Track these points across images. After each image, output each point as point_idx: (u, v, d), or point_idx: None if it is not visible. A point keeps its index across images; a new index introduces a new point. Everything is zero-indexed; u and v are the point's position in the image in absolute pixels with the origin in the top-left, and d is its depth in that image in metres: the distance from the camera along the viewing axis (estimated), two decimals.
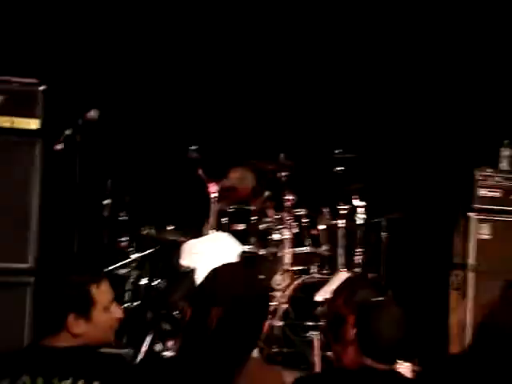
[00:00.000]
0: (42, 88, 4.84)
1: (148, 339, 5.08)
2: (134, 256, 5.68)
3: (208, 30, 6.54)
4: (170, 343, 4.81)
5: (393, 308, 2.70)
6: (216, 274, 2.16)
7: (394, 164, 6.47)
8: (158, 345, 5.05)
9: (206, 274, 2.24)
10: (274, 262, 5.58)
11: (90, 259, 2.85)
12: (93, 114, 4.82)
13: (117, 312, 2.58)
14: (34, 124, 4.82)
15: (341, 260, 5.70)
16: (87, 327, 2.48)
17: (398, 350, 2.67)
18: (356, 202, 5.79)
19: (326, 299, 5.20)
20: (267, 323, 5.22)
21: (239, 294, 2.06)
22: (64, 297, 2.46)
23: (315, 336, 5.17)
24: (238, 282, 2.14)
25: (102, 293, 2.51)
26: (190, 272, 5.10)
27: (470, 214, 5.67)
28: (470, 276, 5.64)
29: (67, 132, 4.76)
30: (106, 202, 5.87)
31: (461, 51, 6.46)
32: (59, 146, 4.70)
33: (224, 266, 2.29)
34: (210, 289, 2.10)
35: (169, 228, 5.78)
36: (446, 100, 6.49)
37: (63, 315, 2.45)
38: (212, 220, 5.45)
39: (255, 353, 2.58)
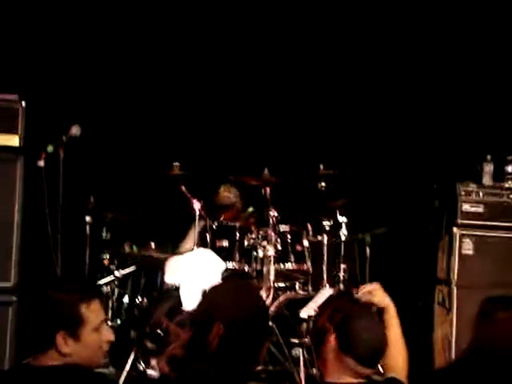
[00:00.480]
0: (22, 104, 4.80)
1: (131, 358, 5.01)
2: (116, 273, 5.62)
3: (190, 48, 6.52)
4: (153, 362, 4.75)
5: (372, 317, 2.77)
6: (217, 290, 2.12)
7: (377, 179, 6.48)
8: (141, 364, 4.99)
9: (207, 289, 2.20)
10: (258, 278, 5.55)
11: (81, 276, 2.82)
12: (74, 130, 4.79)
13: (107, 334, 2.52)
14: (15, 140, 4.78)
15: (325, 276, 5.67)
16: (76, 347, 2.42)
17: (380, 355, 2.69)
18: (340, 218, 5.77)
19: (311, 316, 5.18)
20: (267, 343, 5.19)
21: (241, 310, 2.02)
22: (53, 315, 2.42)
23: (300, 353, 5.13)
24: (239, 298, 2.10)
25: (92, 312, 2.45)
26: (174, 289, 5.06)
27: (453, 228, 5.68)
28: (454, 291, 5.64)
29: (49, 149, 4.72)
30: (87, 219, 5.81)
31: (444, 67, 6.49)
32: (41, 163, 4.66)
33: (224, 282, 2.26)
34: (211, 305, 2.05)
35: (151, 245, 5.73)
36: (429, 115, 6.51)
37: (51, 334, 2.41)
38: (195, 237, 5.41)
39: None
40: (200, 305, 2.11)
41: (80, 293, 2.46)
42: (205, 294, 2.13)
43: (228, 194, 5.99)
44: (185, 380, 1.99)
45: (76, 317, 2.42)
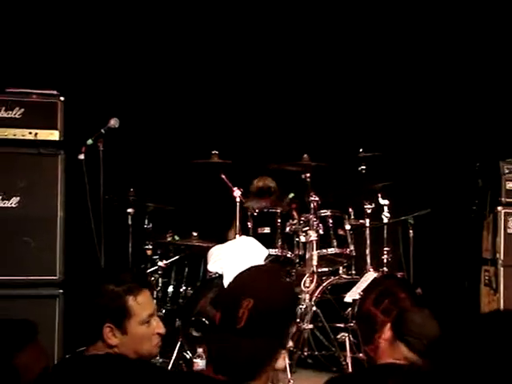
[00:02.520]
0: (61, 99, 4.84)
1: (177, 347, 5.04)
2: (159, 263, 5.65)
3: (226, 38, 6.51)
4: (199, 350, 4.76)
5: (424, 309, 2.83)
6: (246, 271, 2.14)
7: (419, 160, 6.41)
8: (187, 352, 5.02)
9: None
10: (301, 264, 5.54)
11: (129, 267, 2.78)
12: (113, 122, 4.81)
13: (157, 327, 2.46)
14: (55, 135, 4.82)
15: (368, 260, 5.64)
16: (123, 339, 2.39)
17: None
18: (382, 201, 5.71)
19: (356, 300, 5.15)
20: (296, 325, 5.18)
21: (270, 286, 2.04)
22: (100, 307, 2.38)
23: (346, 337, 5.11)
24: (268, 277, 2.12)
25: (139, 305, 2.40)
26: (217, 277, 5.07)
27: (498, 207, 5.59)
28: (501, 270, 5.56)
29: (89, 142, 4.75)
30: (129, 210, 5.84)
31: (485, 46, 6.38)
32: (82, 156, 4.69)
33: (253, 266, 2.29)
34: (241, 283, 2.07)
35: (193, 234, 5.75)
36: (472, 94, 6.42)
37: (99, 325, 2.38)
38: (237, 224, 5.41)
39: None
40: (230, 284, 2.14)
41: (128, 284, 2.42)
42: (235, 276, 2.15)
43: (263, 183, 5.97)
44: (217, 355, 2.01)
45: (123, 309, 2.39)
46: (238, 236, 5.33)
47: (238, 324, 1.98)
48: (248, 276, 2.14)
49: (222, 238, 5.56)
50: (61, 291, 4.64)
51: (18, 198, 4.74)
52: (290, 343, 2.31)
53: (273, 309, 2.00)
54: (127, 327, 2.40)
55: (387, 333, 2.71)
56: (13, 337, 2.28)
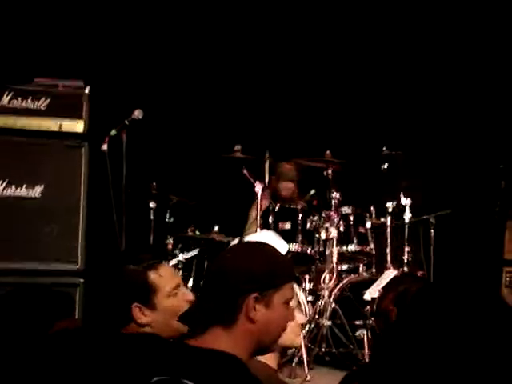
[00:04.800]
0: (87, 90, 4.87)
1: None
2: (180, 257, 5.67)
3: (252, 31, 6.52)
4: None
5: None
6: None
7: (442, 160, 6.38)
8: None
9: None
10: (321, 260, 5.53)
11: (144, 247, 2.77)
12: (137, 113, 4.83)
13: (185, 295, 2.44)
14: (80, 126, 4.86)
15: (389, 258, 5.62)
16: (154, 316, 2.37)
17: None
18: (404, 200, 5.70)
19: (375, 298, 5.14)
20: (314, 321, 5.18)
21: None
22: (124, 289, 2.38)
23: (364, 335, 5.10)
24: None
25: (162, 278, 2.39)
26: None
27: None
28: None
29: (112, 133, 4.78)
30: (151, 204, 5.88)
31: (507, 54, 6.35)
32: (105, 147, 4.72)
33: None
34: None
35: (214, 228, 5.77)
36: (495, 96, 6.38)
37: (126, 307, 2.37)
38: (258, 219, 5.41)
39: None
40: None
41: (146, 261, 2.42)
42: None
43: (290, 167, 5.97)
44: None
45: (147, 285, 2.37)
46: (258, 230, 5.34)
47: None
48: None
49: (243, 233, 5.58)
50: (81, 280, 4.68)
51: (42, 188, 4.78)
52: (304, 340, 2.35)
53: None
54: (155, 303, 2.39)
55: None
56: (56, 305, 2.29)
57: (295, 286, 2.87)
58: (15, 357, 2.00)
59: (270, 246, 2.18)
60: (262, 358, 2.46)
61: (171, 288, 2.41)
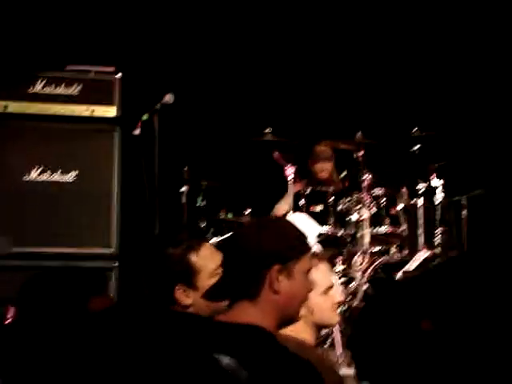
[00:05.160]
0: (118, 75, 4.92)
1: None
2: (213, 241, 5.70)
3: (282, 19, 6.51)
4: None
5: None
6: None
7: (474, 140, 6.33)
8: None
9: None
10: (353, 243, 5.54)
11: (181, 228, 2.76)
12: (168, 98, 4.86)
13: None
14: (112, 111, 4.91)
15: (421, 240, 5.61)
16: (196, 296, 2.39)
17: None
18: (435, 181, 5.68)
19: None
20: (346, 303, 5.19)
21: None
22: (165, 272, 2.40)
23: None
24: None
25: (204, 259, 2.41)
26: None
27: None
28: None
29: (144, 117, 4.81)
30: (183, 188, 5.91)
31: None
32: (137, 132, 4.76)
33: None
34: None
35: (246, 211, 5.79)
36: None
37: (170, 291, 2.40)
38: (290, 202, 5.43)
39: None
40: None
41: (185, 242, 2.43)
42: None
43: (325, 148, 5.96)
44: None
45: (189, 267, 2.39)
46: (290, 213, 5.35)
47: None
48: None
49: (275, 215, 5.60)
50: (116, 264, 4.75)
51: (76, 172, 4.85)
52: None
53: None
54: (198, 284, 2.41)
55: None
56: (90, 282, 2.33)
57: (327, 267, 2.89)
58: (61, 332, 2.05)
59: (284, 220, 2.32)
60: (300, 336, 2.50)
61: (213, 268, 2.42)
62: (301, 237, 2.19)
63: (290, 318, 2.15)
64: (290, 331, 2.24)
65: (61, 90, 4.90)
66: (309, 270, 2.18)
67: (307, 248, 2.20)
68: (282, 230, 2.16)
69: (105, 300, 2.32)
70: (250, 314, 2.05)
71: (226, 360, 1.81)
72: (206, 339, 1.88)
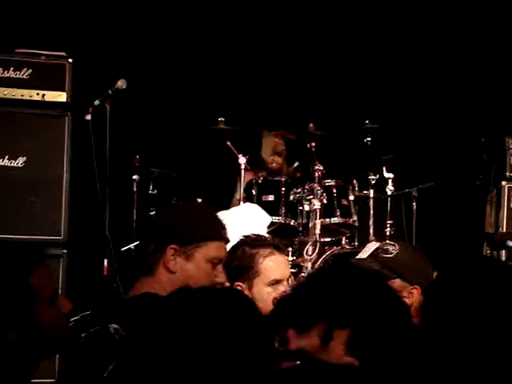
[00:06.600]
0: (70, 60, 4.84)
1: None
2: None
3: (235, 4, 6.49)
4: None
5: None
6: None
7: (424, 133, 6.41)
8: None
9: None
10: (304, 233, 5.56)
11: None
12: (120, 83, 4.80)
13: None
14: (63, 96, 4.83)
15: (371, 231, 5.66)
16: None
17: None
18: (386, 174, 5.73)
19: None
20: None
21: None
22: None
23: None
24: None
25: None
26: None
27: (502, 182, 5.59)
28: None
29: (96, 102, 4.75)
30: (134, 176, 5.87)
31: (493, 20, 6.36)
32: (88, 117, 4.69)
33: None
34: None
35: (197, 201, 5.76)
36: (477, 68, 6.40)
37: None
38: (241, 191, 5.43)
39: None
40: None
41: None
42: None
43: (279, 141, 5.97)
44: None
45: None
46: (242, 203, 5.35)
47: None
48: None
49: (226, 205, 5.58)
50: (65, 251, 4.67)
51: (25, 158, 4.75)
52: None
53: None
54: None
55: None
56: (26, 256, 2.28)
57: (284, 260, 2.83)
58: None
59: (203, 205, 2.40)
60: None
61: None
62: (211, 223, 2.24)
63: None
64: None
65: (10, 74, 4.80)
66: (217, 258, 2.21)
67: (218, 236, 2.24)
68: (191, 215, 2.23)
69: (44, 272, 2.26)
70: (145, 286, 2.18)
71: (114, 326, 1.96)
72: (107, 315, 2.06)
